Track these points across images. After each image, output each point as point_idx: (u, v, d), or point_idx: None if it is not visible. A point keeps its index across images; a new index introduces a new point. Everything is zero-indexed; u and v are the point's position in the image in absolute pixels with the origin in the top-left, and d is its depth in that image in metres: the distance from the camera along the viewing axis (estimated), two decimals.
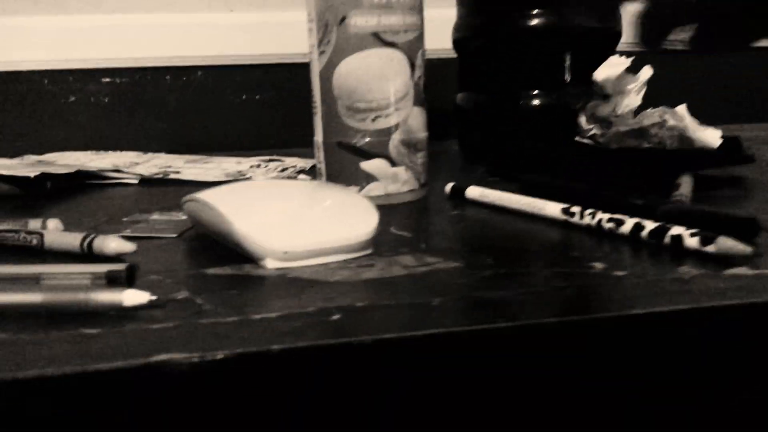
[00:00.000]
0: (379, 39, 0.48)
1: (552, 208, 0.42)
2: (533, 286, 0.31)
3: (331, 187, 0.42)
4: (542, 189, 0.48)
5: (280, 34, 0.85)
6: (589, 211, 0.40)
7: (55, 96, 0.82)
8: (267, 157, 0.72)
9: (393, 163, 0.49)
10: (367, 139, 0.49)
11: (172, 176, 0.63)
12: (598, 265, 0.33)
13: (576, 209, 0.41)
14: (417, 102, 0.50)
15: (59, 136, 0.82)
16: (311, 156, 0.73)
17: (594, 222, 0.39)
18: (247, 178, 0.61)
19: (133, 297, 0.29)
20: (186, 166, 0.68)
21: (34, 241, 0.39)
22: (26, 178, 0.55)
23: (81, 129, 0.83)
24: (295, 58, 0.86)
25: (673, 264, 0.34)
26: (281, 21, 0.85)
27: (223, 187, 0.40)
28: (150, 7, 0.83)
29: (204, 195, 0.39)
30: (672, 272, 0.32)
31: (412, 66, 0.49)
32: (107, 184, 0.61)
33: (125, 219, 0.47)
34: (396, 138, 0.49)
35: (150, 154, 0.78)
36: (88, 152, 0.79)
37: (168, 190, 0.58)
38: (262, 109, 0.87)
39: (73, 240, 0.38)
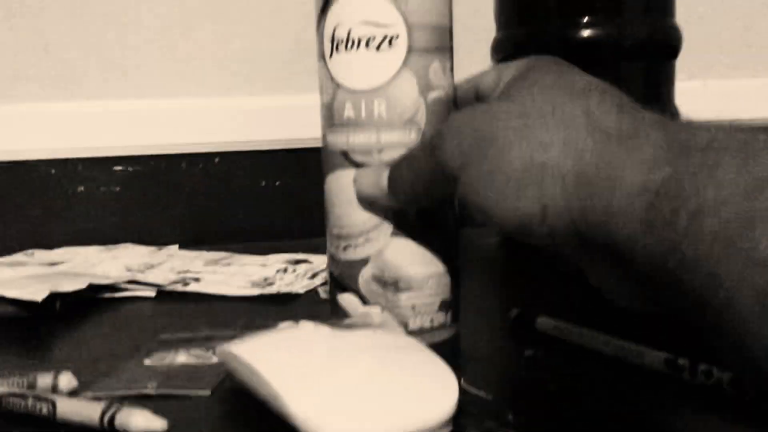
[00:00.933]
0: (348, 159, 0.41)
1: (653, 358, 0.36)
2: None
3: (391, 337, 0.36)
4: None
5: (301, 117, 0.80)
6: (702, 367, 0.34)
7: (63, 186, 0.77)
8: (293, 257, 0.66)
9: (364, 301, 0.41)
10: (340, 270, 0.42)
11: (192, 286, 0.57)
12: None
13: (684, 362, 0.34)
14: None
15: (67, 228, 0.77)
16: None
17: (710, 382, 0.33)
18: (282, 296, 0.55)
19: None
20: (206, 270, 0.62)
21: (45, 410, 0.33)
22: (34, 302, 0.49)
23: (90, 220, 0.77)
24: (317, 142, 0.80)
25: None
26: (302, 103, 0.80)
27: (267, 341, 0.34)
28: (164, 91, 0.78)
29: (246, 354, 0.33)
30: None
31: None
32: (121, 297, 0.55)
33: (147, 362, 0.40)
34: (366, 273, 0.41)
35: (164, 251, 0.72)
36: (98, 248, 0.73)
37: (189, 309, 0.52)
38: (282, 195, 0.81)
39: (91, 412, 0.32)
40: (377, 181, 0.39)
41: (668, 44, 0.61)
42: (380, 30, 0.39)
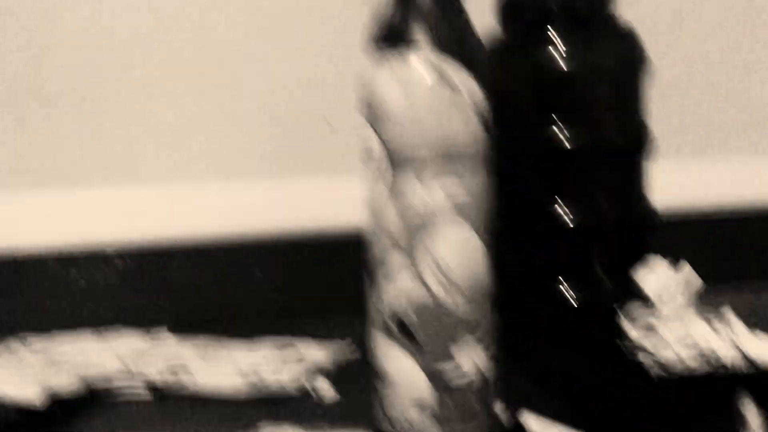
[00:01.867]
0: None
1: None
2: None
3: None
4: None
5: (297, 207, 0.81)
6: None
7: (60, 276, 0.78)
8: (280, 342, 0.68)
9: None
10: None
11: (185, 381, 0.59)
12: None
13: None
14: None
15: (63, 315, 0.78)
16: (329, 335, 0.69)
17: None
18: (269, 388, 0.56)
19: None
20: (196, 360, 0.64)
21: None
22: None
23: (86, 309, 0.78)
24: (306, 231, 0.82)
25: None
26: (305, 188, 0.82)
27: None
28: (156, 181, 0.80)
29: None
30: None
31: None
32: (117, 398, 0.58)
33: None
34: None
35: (155, 335, 0.74)
36: (91, 338, 0.74)
37: (185, 414, 0.54)
38: (275, 282, 0.82)
39: None
40: None
41: (642, 145, 0.63)
42: None
